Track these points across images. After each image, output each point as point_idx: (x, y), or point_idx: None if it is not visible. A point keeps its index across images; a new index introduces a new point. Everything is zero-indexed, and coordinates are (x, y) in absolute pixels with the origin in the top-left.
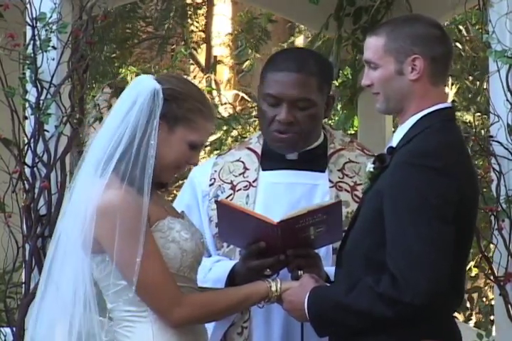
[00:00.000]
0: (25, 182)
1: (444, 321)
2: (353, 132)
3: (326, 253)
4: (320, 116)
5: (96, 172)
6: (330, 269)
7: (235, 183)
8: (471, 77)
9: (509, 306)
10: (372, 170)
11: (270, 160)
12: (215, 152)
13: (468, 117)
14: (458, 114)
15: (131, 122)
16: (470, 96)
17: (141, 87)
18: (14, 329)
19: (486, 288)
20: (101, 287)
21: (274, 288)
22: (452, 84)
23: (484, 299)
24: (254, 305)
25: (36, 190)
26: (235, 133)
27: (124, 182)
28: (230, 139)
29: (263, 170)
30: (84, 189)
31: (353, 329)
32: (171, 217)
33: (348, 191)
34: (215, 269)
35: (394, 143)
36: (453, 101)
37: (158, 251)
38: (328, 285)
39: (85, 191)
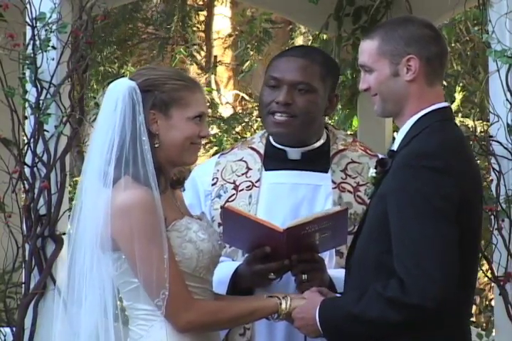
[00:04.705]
0: (25, 182)
1: (456, 326)
2: (351, 132)
3: (329, 256)
4: (319, 107)
5: (99, 179)
6: (333, 271)
7: (237, 183)
8: (468, 78)
9: (509, 306)
10: (374, 174)
11: (273, 160)
12: (215, 148)
13: (470, 122)
14: (460, 119)
15: (118, 126)
16: (468, 96)
17: (118, 90)
18: (14, 329)
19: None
20: (117, 285)
21: (284, 306)
22: (460, 91)
23: (484, 299)
24: (261, 319)
25: (36, 190)
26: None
27: (132, 181)
28: (231, 140)
29: (266, 170)
30: (92, 196)
31: (367, 338)
32: (188, 217)
33: (350, 192)
34: (218, 270)
35: (395, 146)
36: (458, 106)
37: (172, 253)
38: (337, 295)
39: (94, 197)
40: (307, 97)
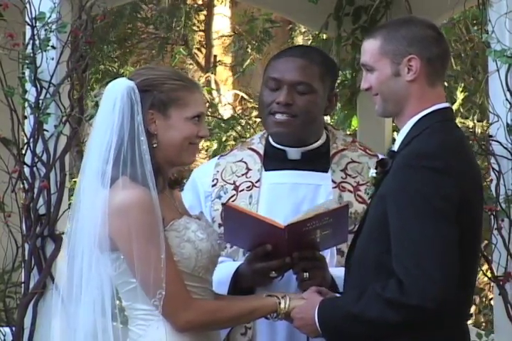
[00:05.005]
0: (24, 181)
1: (455, 326)
2: (350, 132)
3: (330, 254)
4: (319, 107)
5: (97, 178)
6: (334, 270)
7: (237, 184)
8: (467, 78)
9: (508, 306)
10: (374, 175)
11: (273, 160)
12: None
13: (470, 123)
14: (461, 120)
15: (116, 125)
16: (469, 96)
17: (116, 89)
18: (13, 328)
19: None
20: (116, 285)
21: (283, 305)
22: (462, 91)
23: (484, 298)
24: (261, 318)
25: (35, 190)
26: (234, 134)
27: (130, 181)
28: (231, 141)
29: (266, 170)
30: (91, 195)
31: (367, 338)
32: (187, 216)
33: (351, 191)
34: (218, 270)
35: (395, 146)
36: (459, 106)
37: (170, 253)
38: (337, 295)
39: (92, 197)
40: (307, 97)
